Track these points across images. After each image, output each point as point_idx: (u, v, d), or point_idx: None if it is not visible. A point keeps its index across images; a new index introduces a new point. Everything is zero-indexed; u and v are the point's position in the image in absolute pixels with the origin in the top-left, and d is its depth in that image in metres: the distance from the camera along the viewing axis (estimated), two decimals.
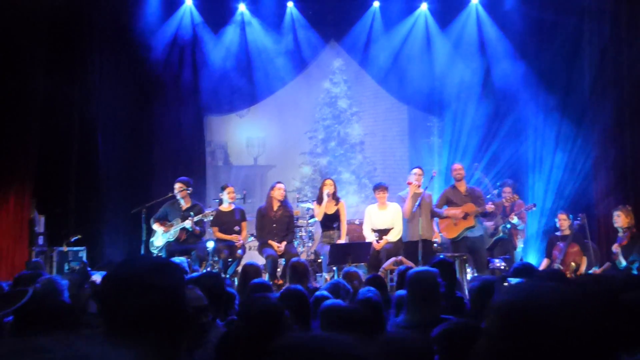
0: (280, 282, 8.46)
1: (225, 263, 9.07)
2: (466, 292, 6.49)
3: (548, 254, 9.23)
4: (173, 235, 9.06)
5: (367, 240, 8.97)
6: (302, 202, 11.04)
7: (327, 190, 9.10)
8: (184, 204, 9.27)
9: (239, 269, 8.09)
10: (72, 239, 9.64)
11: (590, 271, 8.50)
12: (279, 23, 11.94)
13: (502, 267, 8.89)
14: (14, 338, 1.27)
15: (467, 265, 8.89)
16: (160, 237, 9.15)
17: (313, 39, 11.96)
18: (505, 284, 4.02)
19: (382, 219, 9.10)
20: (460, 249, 8.87)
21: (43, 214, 9.96)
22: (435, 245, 9.41)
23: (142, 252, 9.05)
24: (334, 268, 8.28)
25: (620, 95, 9.69)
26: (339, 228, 9.16)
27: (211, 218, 9.19)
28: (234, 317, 3.78)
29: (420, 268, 4.69)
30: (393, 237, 8.93)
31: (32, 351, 1.08)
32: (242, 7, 11.86)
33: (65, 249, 9.57)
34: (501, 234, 9.61)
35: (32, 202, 9.67)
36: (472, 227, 8.93)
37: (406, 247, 8.87)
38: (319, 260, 9.52)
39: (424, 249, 8.49)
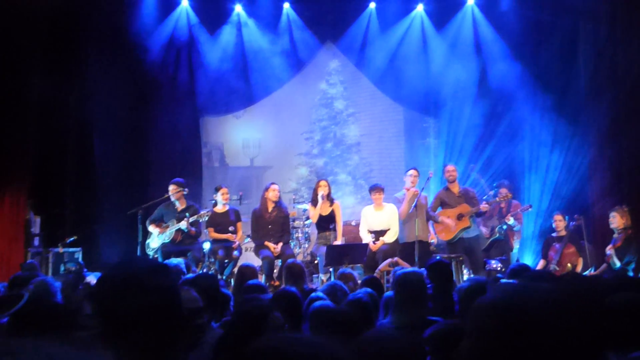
0: (277, 283, 8.46)
1: (222, 264, 9.07)
2: None
3: (544, 255, 9.25)
4: (169, 236, 9.05)
5: (363, 242, 8.97)
6: (299, 203, 11.04)
7: (322, 191, 9.09)
8: (179, 206, 9.27)
9: (235, 270, 8.08)
10: (68, 240, 9.63)
11: (586, 272, 8.52)
12: (275, 24, 11.92)
13: (499, 268, 8.91)
14: None
15: (463, 266, 8.91)
16: (156, 238, 9.14)
17: (309, 40, 11.95)
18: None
19: (378, 220, 9.10)
20: (456, 250, 8.88)
21: (39, 215, 9.94)
22: (431, 246, 9.42)
23: (139, 253, 9.04)
24: (331, 269, 8.28)
25: (616, 96, 9.70)
26: (334, 229, 9.16)
27: (206, 219, 9.18)
28: (229, 318, 3.78)
29: (408, 269, 4.69)
30: (389, 238, 8.94)
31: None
32: (238, 8, 11.85)
33: (61, 250, 9.55)
34: (497, 235, 9.63)
35: (28, 203, 9.65)
36: (468, 227, 8.93)
37: (402, 248, 8.87)
38: (316, 262, 9.51)
39: (420, 250, 8.51)
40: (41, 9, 9.65)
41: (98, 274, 3.67)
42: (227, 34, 11.84)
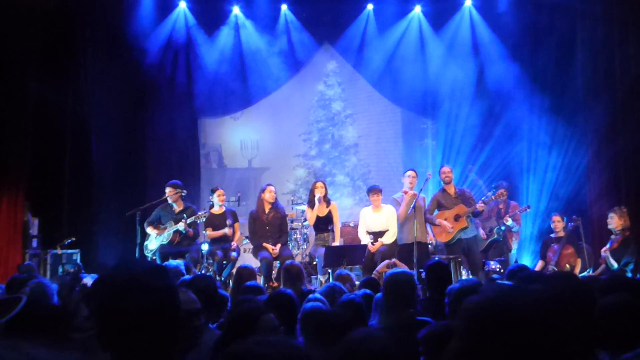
0: (275, 284, 8.46)
1: (220, 265, 9.07)
2: None
3: (542, 255, 9.25)
4: (166, 238, 9.05)
5: (362, 243, 8.97)
6: (297, 204, 11.03)
7: (319, 194, 9.08)
8: (177, 207, 9.27)
9: (234, 271, 8.08)
10: (66, 242, 9.62)
11: (585, 273, 8.52)
12: (273, 25, 11.92)
13: (498, 269, 8.90)
14: None
15: (462, 267, 8.91)
16: (154, 240, 9.14)
17: (307, 41, 11.95)
18: None
19: (376, 222, 9.10)
20: (455, 251, 8.87)
21: (37, 217, 9.93)
22: (430, 247, 9.42)
23: (137, 255, 9.04)
24: (329, 270, 8.28)
25: (614, 97, 9.72)
26: (332, 230, 9.15)
27: (204, 220, 9.18)
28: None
29: (397, 270, 4.68)
30: (388, 239, 8.94)
31: None
32: (236, 10, 11.85)
33: (59, 251, 9.55)
34: (496, 236, 9.63)
35: (26, 204, 9.65)
36: (466, 227, 8.92)
37: (401, 249, 8.87)
38: (314, 263, 9.51)
39: (419, 251, 8.50)
40: (38, 10, 9.65)
41: (94, 275, 3.65)
42: (225, 35, 11.83)
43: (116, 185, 10.91)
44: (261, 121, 12.60)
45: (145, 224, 9.18)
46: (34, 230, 9.84)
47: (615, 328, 2.67)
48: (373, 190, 9.16)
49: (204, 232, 9.48)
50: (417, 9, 11.86)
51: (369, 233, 9.05)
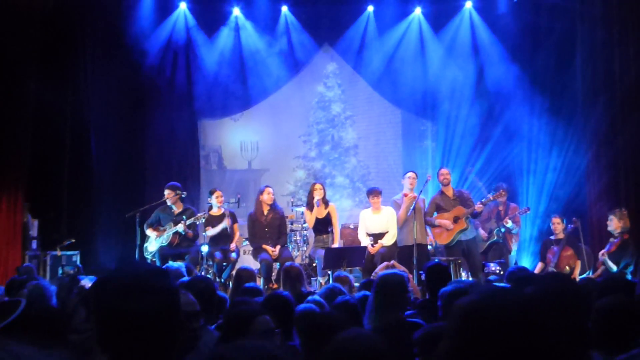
0: (275, 286, 8.45)
1: (220, 267, 9.07)
2: None
3: (542, 257, 9.24)
4: (166, 239, 9.05)
5: (361, 245, 8.96)
6: (297, 206, 11.03)
7: (317, 196, 9.07)
8: (176, 209, 9.27)
9: (234, 272, 8.08)
10: (66, 243, 9.62)
11: (584, 275, 8.51)
12: (273, 27, 11.92)
13: (497, 271, 8.90)
14: None
15: (461, 269, 8.91)
16: (154, 241, 9.14)
17: (307, 42, 11.95)
18: None
19: (376, 223, 9.09)
20: (454, 253, 8.87)
21: (36, 218, 9.93)
22: (430, 248, 9.42)
23: (137, 256, 9.04)
24: (329, 272, 8.27)
25: (613, 99, 9.72)
26: (332, 232, 9.15)
27: (203, 221, 9.19)
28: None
29: (388, 271, 4.68)
30: (387, 241, 8.93)
31: None
32: (236, 11, 11.85)
33: (58, 253, 9.55)
34: (495, 238, 9.62)
35: (26, 206, 9.64)
36: (465, 229, 8.92)
37: (401, 251, 8.87)
38: (314, 265, 9.51)
39: (418, 253, 8.50)
40: (38, 11, 9.65)
41: (92, 277, 3.65)
42: (225, 36, 11.83)
43: (116, 187, 10.90)
44: (261, 122, 12.60)
45: (144, 226, 9.18)
46: (34, 232, 9.84)
47: (611, 329, 2.68)
48: (373, 192, 9.15)
49: (203, 233, 9.48)
50: (417, 11, 11.86)
51: (369, 235, 9.05)
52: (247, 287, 4.90)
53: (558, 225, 9.15)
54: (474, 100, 11.51)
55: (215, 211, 9.43)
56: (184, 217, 9.01)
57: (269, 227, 9.17)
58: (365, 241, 9.00)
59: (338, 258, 8.15)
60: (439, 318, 4.07)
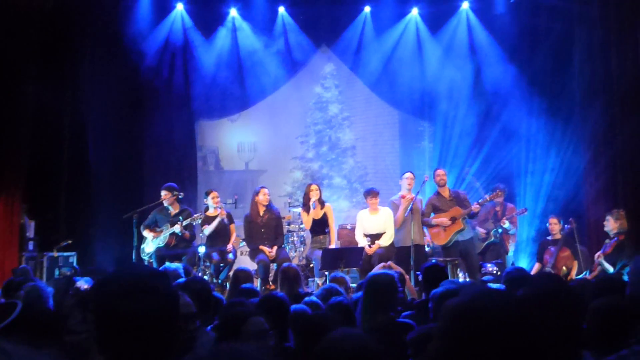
0: (272, 287, 8.45)
1: (217, 268, 9.07)
2: None
3: (539, 258, 9.24)
4: (163, 240, 9.04)
5: (359, 245, 8.96)
6: (294, 206, 11.03)
7: (314, 197, 9.06)
8: (173, 210, 9.26)
9: (231, 274, 8.07)
10: (63, 244, 9.61)
11: (581, 276, 8.52)
12: (270, 28, 11.93)
13: (495, 272, 8.90)
14: None
15: (459, 269, 8.91)
16: (151, 243, 9.13)
17: (304, 43, 11.95)
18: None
19: (373, 224, 9.09)
20: (452, 254, 8.87)
21: (33, 219, 9.92)
22: (427, 249, 9.42)
23: (134, 258, 9.03)
24: (326, 273, 8.27)
25: (611, 99, 9.72)
26: (329, 233, 9.15)
27: (199, 221, 9.18)
28: None
29: (378, 271, 4.67)
30: (385, 242, 8.93)
31: None
32: (233, 12, 11.85)
33: (55, 254, 9.54)
34: (493, 239, 9.62)
35: (23, 207, 9.63)
36: (462, 230, 8.92)
37: (398, 252, 8.87)
38: (311, 265, 9.50)
39: (416, 254, 8.51)
40: (36, 12, 9.64)
41: (88, 278, 3.65)
42: (222, 37, 11.84)
43: (113, 188, 10.88)
44: (258, 123, 12.60)
45: (141, 227, 9.16)
46: (31, 233, 9.82)
47: (605, 330, 2.68)
48: (370, 192, 9.15)
49: (200, 234, 9.47)
50: (415, 12, 11.88)
51: (366, 235, 9.05)
52: (243, 288, 4.90)
53: (555, 226, 9.15)
54: (471, 101, 11.53)
55: (211, 212, 9.42)
56: (181, 218, 9.01)
57: (266, 228, 9.16)
58: (362, 242, 9.00)
59: (335, 259, 8.15)
60: (430, 319, 4.06)
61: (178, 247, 9.04)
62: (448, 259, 8.70)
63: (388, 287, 4.11)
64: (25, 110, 9.57)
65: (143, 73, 11.32)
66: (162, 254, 8.90)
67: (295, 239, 10.68)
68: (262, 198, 9.20)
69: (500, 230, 9.56)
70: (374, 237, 8.97)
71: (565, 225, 9.06)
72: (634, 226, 8.49)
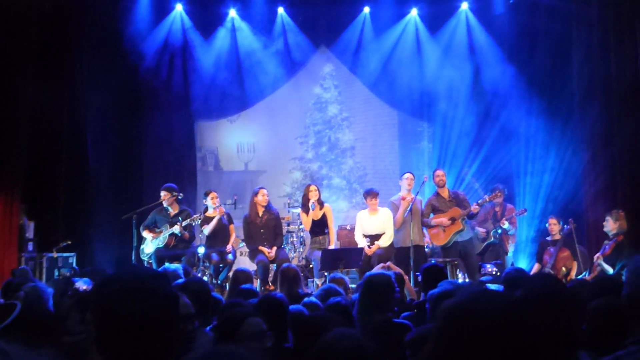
0: (272, 287, 8.45)
1: (216, 269, 9.06)
2: None
3: (539, 258, 9.24)
4: (162, 241, 9.03)
5: (358, 246, 8.96)
6: (293, 207, 11.03)
7: (313, 199, 9.06)
8: (172, 210, 9.25)
9: (230, 274, 8.07)
10: (62, 245, 9.61)
11: (580, 276, 8.51)
12: (270, 28, 11.93)
13: (494, 272, 8.90)
14: None
15: (458, 270, 8.91)
16: (150, 243, 9.12)
17: (303, 44, 11.95)
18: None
19: (373, 225, 9.09)
20: (451, 254, 8.88)
21: (33, 220, 9.91)
22: (427, 250, 9.41)
23: (133, 258, 9.03)
24: (326, 274, 8.27)
25: (609, 100, 9.73)
26: (328, 233, 9.14)
27: (199, 222, 9.18)
28: None
29: (376, 271, 4.67)
30: (384, 242, 8.93)
31: None
32: (232, 13, 11.85)
33: (54, 255, 9.54)
34: (492, 239, 9.62)
35: (22, 207, 9.62)
36: (461, 230, 8.93)
37: (398, 252, 8.87)
38: (310, 266, 9.50)
39: (415, 255, 8.51)
40: (34, 13, 9.64)
41: (87, 279, 3.65)
42: (221, 38, 11.84)
43: (112, 189, 10.88)
44: (258, 124, 12.60)
45: (141, 228, 9.16)
46: (30, 234, 9.82)
47: (601, 330, 2.69)
48: (370, 193, 9.15)
49: (200, 234, 9.47)
50: (414, 12, 11.88)
51: (366, 236, 9.04)
52: (243, 289, 4.90)
53: (554, 226, 9.15)
54: (470, 102, 11.54)
55: (210, 212, 9.41)
56: (180, 218, 9.00)
57: (265, 229, 9.16)
58: (362, 242, 9.00)
59: (335, 259, 8.15)
60: (427, 320, 4.06)
61: (177, 248, 9.03)
62: (447, 259, 8.71)
63: (385, 288, 4.10)
64: (24, 110, 9.58)
65: (142, 73, 11.31)
66: (162, 255, 8.90)
67: (295, 239, 10.68)
68: (261, 199, 9.19)
69: (499, 231, 9.57)
70: (374, 238, 8.97)
71: (565, 226, 9.06)
72: (632, 227, 8.49)
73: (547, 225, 9.32)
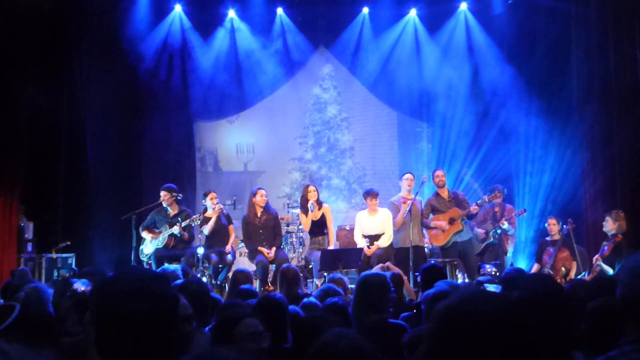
0: (271, 288, 8.45)
1: (216, 269, 9.06)
2: None
3: (538, 258, 9.24)
4: (161, 242, 9.03)
5: (357, 246, 8.96)
6: (293, 207, 11.02)
7: (312, 199, 9.06)
8: (171, 211, 9.25)
9: (230, 275, 8.07)
10: (61, 246, 9.61)
11: (580, 277, 8.51)
12: (269, 29, 11.93)
13: (493, 273, 8.89)
14: None
15: (457, 270, 8.91)
16: (149, 244, 9.12)
17: (302, 44, 11.96)
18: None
19: (372, 225, 9.09)
20: (450, 255, 8.89)
21: (32, 221, 9.90)
22: (426, 250, 9.42)
23: (132, 259, 9.03)
24: (325, 274, 8.27)
25: (608, 100, 9.74)
26: (327, 234, 9.14)
27: (198, 223, 9.18)
28: None
29: (371, 271, 4.67)
30: (384, 242, 8.93)
31: None
32: (231, 13, 11.85)
33: (54, 255, 9.53)
34: (491, 239, 9.63)
35: (21, 208, 9.61)
36: (461, 230, 8.94)
37: (397, 253, 8.87)
38: (310, 266, 9.50)
39: (415, 255, 8.51)
40: (33, 13, 9.63)
41: (85, 281, 3.65)
42: (221, 38, 11.84)
43: (111, 189, 10.88)
44: (257, 124, 12.61)
45: (140, 228, 9.16)
46: (29, 234, 9.81)
47: (597, 330, 2.69)
48: (370, 193, 9.15)
49: (199, 235, 9.47)
50: (413, 13, 11.89)
51: (365, 236, 9.04)
52: (242, 289, 4.90)
53: (554, 227, 9.15)
54: (469, 102, 11.55)
55: (210, 213, 9.41)
56: (180, 219, 9.00)
57: (263, 229, 9.15)
58: (361, 243, 9.00)
59: (334, 260, 8.15)
60: (422, 321, 4.06)
61: (177, 248, 9.03)
62: (447, 259, 8.71)
63: (380, 288, 4.10)
64: (24, 111, 9.56)
65: (141, 74, 11.31)
66: (161, 255, 8.89)
67: (294, 240, 10.68)
68: (260, 199, 9.19)
69: (499, 231, 9.57)
70: (373, 238, 8.97)
71: (564, 226, 9.06)
72: (631, 227, 8.49)
73: (546, 225, 9.32)
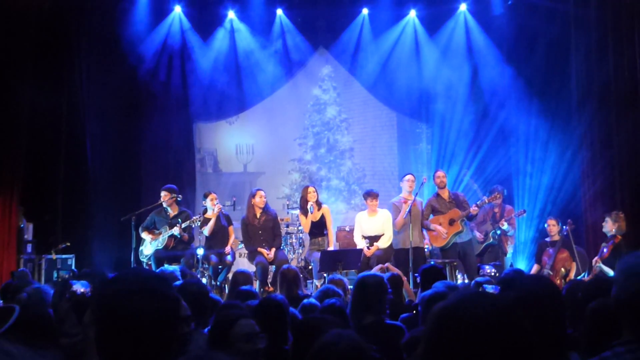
0: (271, 289, 8.45)
1: (215, 270, 9.06)
2: None
3: (538, 259, 9.24)
4: (161, 242, 9.03)
5: (357, 247, 8.96)
6: (292, 208, 11.02)
7: (311, 201, 9.06)
8: (171, 212, 9.25)
9: (230, 275, 8.07)
10: (61, 247, 9.61)
11: (579, 277, 8.51)
12: (268, 30, 11.93)
13: (493, 273, 8.90)
14: None
15: (457, 271, 8.91)
16: (149, 245, 9.12)
17: (302, 45, 11.96)
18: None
19: (372, 226, 9.09)
20: (450, 256, 8.89)
21: (31, 222, 9.91)
22: (426, 251, 9.42)
23: (132, 260, 9.03)
24: (325, 275, 8.27)
25: (608, 101, 9.74)
26: (327, 235, 9.14)
27: (198, 224, 9.18)
28: None
29: (368, 272, 4.67)
30: (383, 243, 8.93)
31: None
32: (231, 14, 11.85)
33: (53, 256, 9.53)
34: (491, 240, 9.63)
35: (20, 209, 9.62)
36: (461, 231, 8.94)
37: (397, 254, 8.88)
38: (310, 267, 9.50)
39: (414, 256, 8.51)
40: (32, 14, 9.63)
41: (84, 282, 3.65)
42: (220, 39, 11.84)
43: (111, 190, 10.89)
44: (256, 125, 12.60)
45: (140, 229, 9.16)
46: (29, 236, 9.81)
47: (599, 331, 2.69)
48: (370, 194, 9.16)
49: (199, 236, 9.47)
50: (412, 14, 11.88)
51: (365, 237, 9.04)
52: (242, 290, 4.89)
53: (553, 227, 9.15)
54: (468, 103, 11.55)
55: (209, 214, 9.41)
56: (179, 220, 9.00)
57: (263, 230, 9.15)
58: (361, 244, 9.00)
59: (334, 261, 8.14)
60: (420, 323, 4.06)
61: (176, 249, 9.03)
62: (446, 260, 8.72)
63: (377, 289, 4.11)
64: (23, 112, 9.56)
65: (141, 75, 11.31)
66: (161, 256, 8.89)
67: (294, 240, 10.67)
68: (259, 200, 9.19)
69: (498, 232, 9.57)
70: (373, 239, 8.97)
71: (564, 227, 9.06)
72: (631, 228, 8.49)
73: (545, 226, 9.33)
